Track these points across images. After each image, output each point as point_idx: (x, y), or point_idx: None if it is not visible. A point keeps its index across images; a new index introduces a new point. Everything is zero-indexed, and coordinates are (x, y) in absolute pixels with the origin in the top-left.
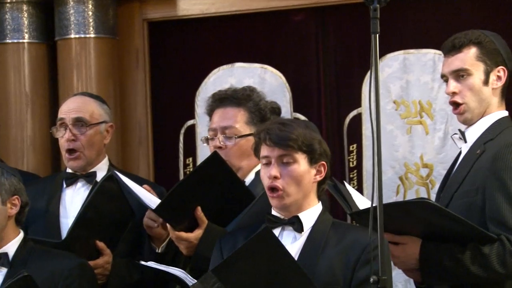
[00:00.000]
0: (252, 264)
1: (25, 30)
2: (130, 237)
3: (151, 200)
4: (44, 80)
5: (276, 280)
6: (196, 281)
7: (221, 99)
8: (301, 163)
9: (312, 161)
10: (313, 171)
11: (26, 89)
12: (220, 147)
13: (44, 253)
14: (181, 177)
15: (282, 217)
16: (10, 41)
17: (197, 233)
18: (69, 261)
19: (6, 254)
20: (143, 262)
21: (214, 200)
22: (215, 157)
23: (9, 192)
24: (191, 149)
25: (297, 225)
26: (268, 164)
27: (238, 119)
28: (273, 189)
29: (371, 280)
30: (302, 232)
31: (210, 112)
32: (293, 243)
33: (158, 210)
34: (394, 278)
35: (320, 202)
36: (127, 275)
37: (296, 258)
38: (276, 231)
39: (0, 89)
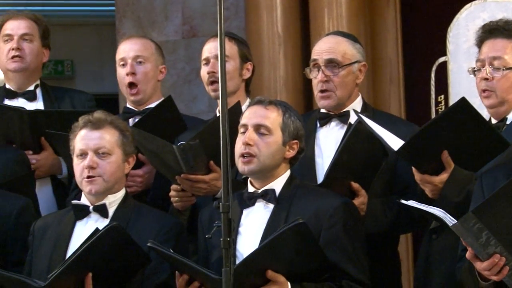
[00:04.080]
0: None
1: None
2: (385, 177)
3: (395, 143)
4: (295, 20)
5: None
6: (456, 221)
7: (491, 30)
8: None
9: None
10: None
11: (278, 29)
12: (486, 79)
13: (309, 192)
14: (433, 115)
15: None
16: None
17: (443, 176)
18: (334, 200)
19: (273, 190)
20: (403, 201)
21: (461, 145)
22: (463, 103)
23: (292, 136)
24: (443, 86)
25: None
26: None
27: (507, 51)
28: None
29: None
30: None
31: (479, 43)
32: None
33: (401, 152)
34: None
35: None
36: (382, 215)
37: None
38: None
39: (253, 30)
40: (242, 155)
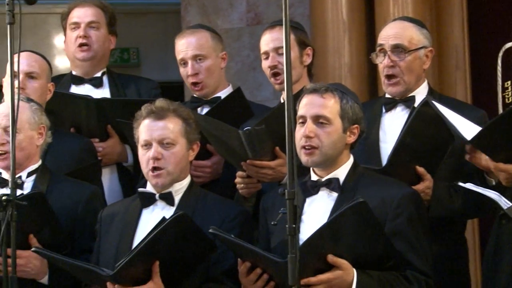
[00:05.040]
0: None
1: None
2: (452, 161)
3: (468, 131)
4: (360, 6)
5: None
6: (511, 204)
7: None
8: None
9: None
10: None
11: (343, 16)
12: None
13: (373, 180)
14: (500, 101)
15: None
16: None
17: None
18: (399, 189)
19: (337, 179)
20: (461, 183)
21: None
22: None
23: (351, 121)
24: (509, 72)
25: None
26: None
27: None
28: None
29: None
30: None
31: None
32: None
33: (474, 140)
34: None
35: None
36: (449, 200)
37: None
38: None
39: (317, 17)
40: (304, 147)
